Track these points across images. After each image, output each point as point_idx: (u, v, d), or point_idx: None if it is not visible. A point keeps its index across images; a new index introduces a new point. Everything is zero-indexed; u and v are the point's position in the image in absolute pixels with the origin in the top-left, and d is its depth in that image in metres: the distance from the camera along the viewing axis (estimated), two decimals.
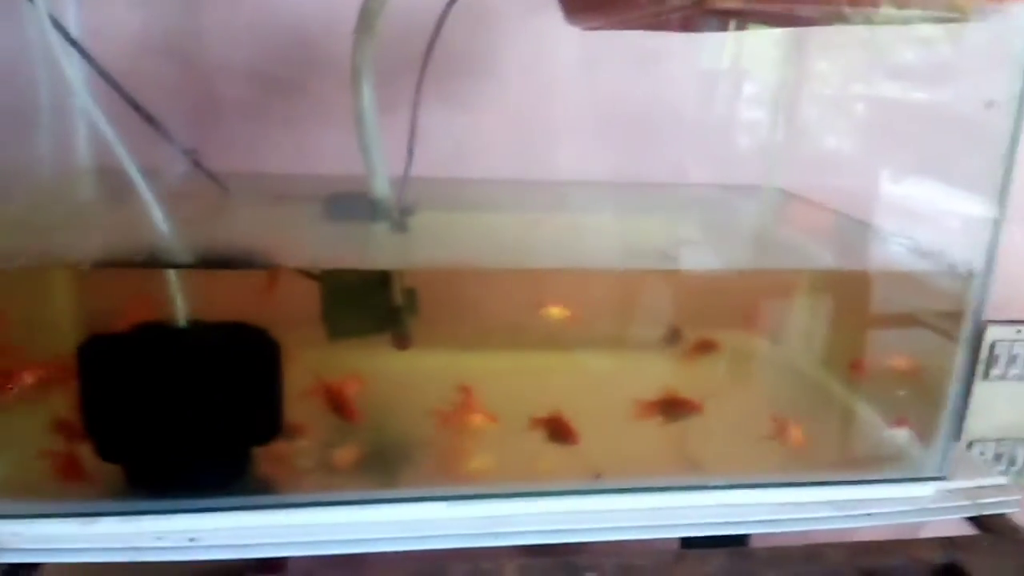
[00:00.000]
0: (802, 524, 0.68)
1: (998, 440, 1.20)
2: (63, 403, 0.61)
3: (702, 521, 0.67)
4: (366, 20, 0.68)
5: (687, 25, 0.73)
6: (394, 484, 0.68)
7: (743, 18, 0.75)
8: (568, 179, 0.94)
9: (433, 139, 0.78)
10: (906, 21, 0.64)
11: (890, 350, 0.80)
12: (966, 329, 0.72)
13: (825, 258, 0.85)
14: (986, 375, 1.14)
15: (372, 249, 0.75)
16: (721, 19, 0.74)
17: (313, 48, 0.86)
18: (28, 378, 0.63)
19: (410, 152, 0.76)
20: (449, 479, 0.69)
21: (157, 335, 0.62)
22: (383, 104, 0.70)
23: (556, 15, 0.77)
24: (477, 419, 0.69)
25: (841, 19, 0.62)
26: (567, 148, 0.95)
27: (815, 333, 0.86)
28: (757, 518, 0.67)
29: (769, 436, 0.76)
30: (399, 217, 0.74)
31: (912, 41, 0.81)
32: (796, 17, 0.73)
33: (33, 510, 0.59)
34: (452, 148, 0.88)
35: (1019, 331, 1.13)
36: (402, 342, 0.72)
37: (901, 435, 0.78)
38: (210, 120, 0.85)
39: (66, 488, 0.62)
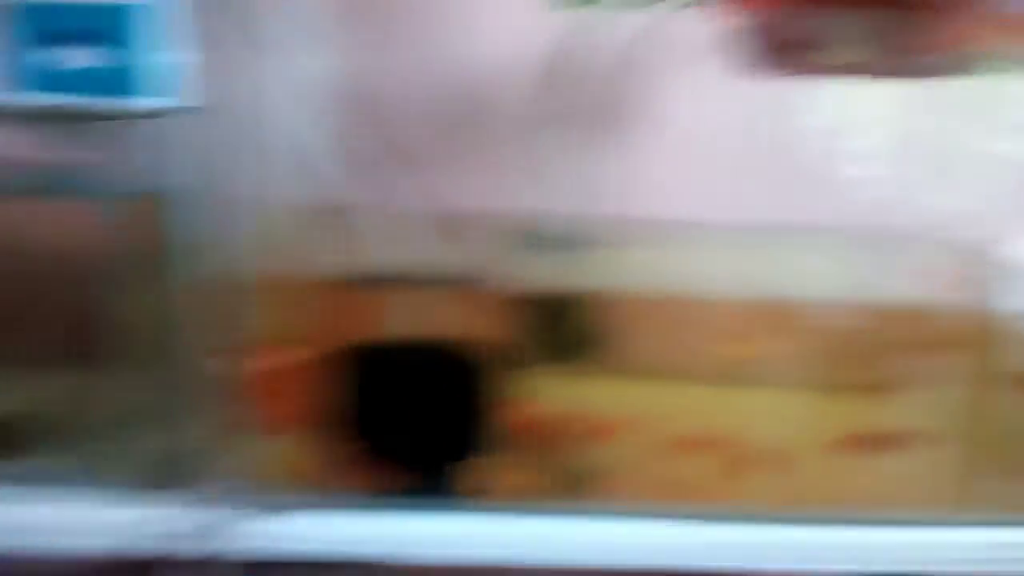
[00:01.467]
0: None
1: None
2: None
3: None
4: (551, 69, 0.73)
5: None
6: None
7: None
8: (726, 219, 0.95)
9: (602, 180, 0.81)
10: None
11: None
12: None
13: None
14: None
15: (567, 276, 0.78)
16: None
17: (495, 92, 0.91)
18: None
19: (585, 192, 0.80)
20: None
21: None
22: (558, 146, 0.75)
23: (710, 68, 0.80)
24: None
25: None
26: (724, 189, 0.97)
27: None
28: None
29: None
30: (582, 251, 0.78)
31: None
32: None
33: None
34: (619, 188, 0.91)
35: None
36: (594, 369, 0.74)
37: None
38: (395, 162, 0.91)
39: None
